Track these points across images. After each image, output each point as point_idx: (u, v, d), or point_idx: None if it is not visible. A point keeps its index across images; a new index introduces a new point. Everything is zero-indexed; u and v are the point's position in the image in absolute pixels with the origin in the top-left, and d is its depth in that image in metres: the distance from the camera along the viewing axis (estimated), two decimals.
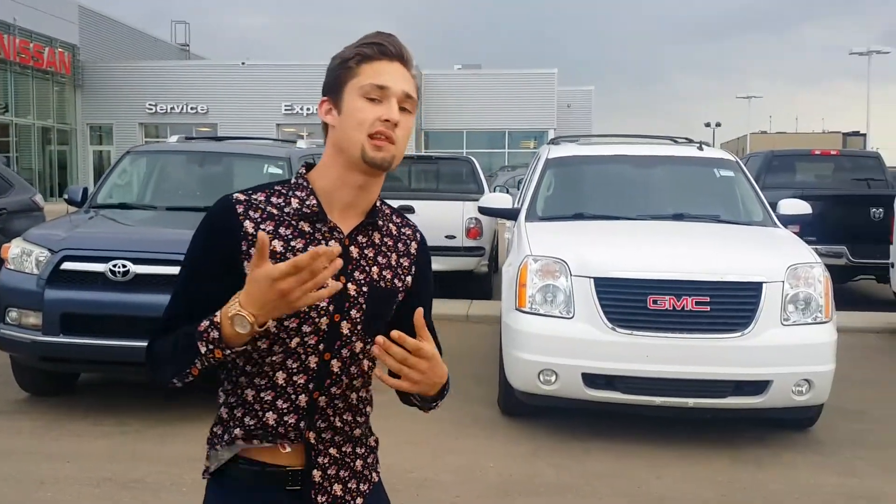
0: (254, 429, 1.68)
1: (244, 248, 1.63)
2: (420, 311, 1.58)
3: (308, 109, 37.94)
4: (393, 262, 1.76)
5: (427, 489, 4.67)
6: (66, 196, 7.24)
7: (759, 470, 5.05)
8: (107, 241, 6.01)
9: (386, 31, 1.70)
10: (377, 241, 1.74)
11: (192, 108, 38.54)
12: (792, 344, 5.22)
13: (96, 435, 5.43)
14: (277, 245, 1.63)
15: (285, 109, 38.13)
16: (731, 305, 5.23)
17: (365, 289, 1.70)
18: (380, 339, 1.54)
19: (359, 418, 1.78)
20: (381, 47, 1.65)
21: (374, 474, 1.85)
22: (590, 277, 5.31)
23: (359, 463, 1.80)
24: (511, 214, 7.06)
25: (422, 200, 10.38)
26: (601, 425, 5.67)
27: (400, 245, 1.79)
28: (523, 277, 5.46)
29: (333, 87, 1.68)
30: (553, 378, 5.26)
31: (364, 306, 1.70)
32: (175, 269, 5.61)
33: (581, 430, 5.63)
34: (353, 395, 1.76)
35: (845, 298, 9.52)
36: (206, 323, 1.54)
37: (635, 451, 5.31)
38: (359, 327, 1.70)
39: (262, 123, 34.65)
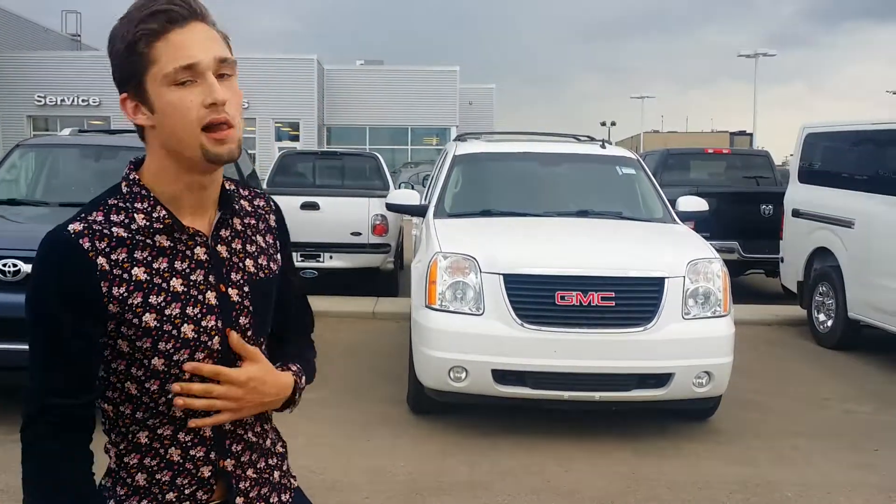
0: (156, 469, 1.49)
1: (104, 289, 1.39)
2: (233, 334, 1.46)
3: None
4: (262, 244, 1.58)
5: (338, 491, 4.61)
6: None
7: (662, 461, 5.18)
8: None
9: None
10: (239, 227, 1.55)
11: (83, 101, 37.19)
12: (692, 337, 5.36)
13: None
14: (140, 273, 1.41)
15: None
16: (634, 300, 5.34)
17: (246, 289, 1.52)
18: (175, 387, 1.41)
19: (265, 425, 1.63)
20: (168, 13, 1.36)
21: (291, 480, 1.73)
22: (499, 274, 5.34)
23: (276, 474, 1.67)
24: (419, 211, 7.05)
25: (327, 197, 10.31)
26: (510, 421, 5.72)
27: (260, 223, 1.60)
28: (433, 274, 5.45)
29: (130, 80, 1.41)
30: (463, 375, 5.27)
31: (251, 308, 1.53)
32: None
33: (490, 426, 5.66)
34: None
35: (737, 292, 9.84)
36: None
37: (544, 446, 5.37)
38: (250, 332, 1.53)
39: None
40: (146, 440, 1.48)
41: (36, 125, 37.75)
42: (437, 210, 6.63)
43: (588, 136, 7.94)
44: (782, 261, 9.61)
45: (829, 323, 8.34)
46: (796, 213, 9.14)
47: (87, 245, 1.39)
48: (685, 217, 6.95)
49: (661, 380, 5.32)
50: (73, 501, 1.42)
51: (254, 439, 1.59)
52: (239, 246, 1.54)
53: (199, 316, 1.46)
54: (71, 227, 1.41)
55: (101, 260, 1.39)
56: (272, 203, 1.66)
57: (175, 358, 1.44)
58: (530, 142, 7.80)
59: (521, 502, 4.53)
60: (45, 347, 1.41)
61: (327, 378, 6.14)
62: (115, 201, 1.45)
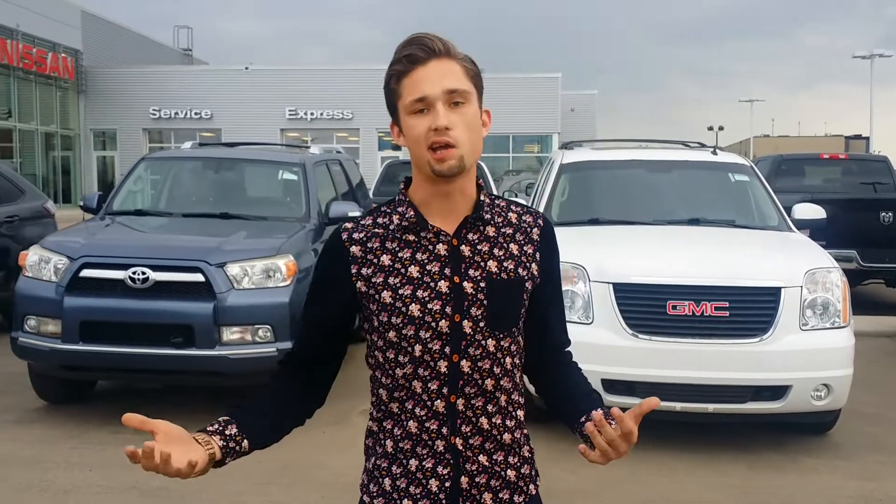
0: (400, 438, 1.71)
1: (354, 270, 1.72)
2: (646, 402, 1.56)
3: (312, 114, 37.95)
4: (514, 252, 1.75)
5: None
6: (81, 203, 7.27)
7: (777, 475, 5.06)
8: (126, 248, 6.04)
9: (416, 34, 1.69)
10: (492, 234, 1.75)
11: (195, 114, 38.55)
12: (811, 349, 5.23)
13: (117, 443, 5.43)
14: (386, 259, 1.71)
15: (289, 114, 38.16)
16: (750, 310, 5.24)
17: (482, 284, 1.70)
18: (597, 415, 1.56)
19: (508, 422, 1.75)
20: (410, 56, 1.65)
21: (531, 486, 1.80)
22: (609, 283, 5.32)
23: (511, 473, 1.75)
24: None
25: None
26: None
27: (519, 234, 1.77)
28: None
29: (391, 111, 1.72)
30: None
31: (485, 302, 1.69)
32: (194, 276, 5.66)
33: None
34: (503, 398, 1.74)
35: (855, 303, 9.51)
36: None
37: (652, 457, 5.31)
38: (482, 323, 1.69)
39: (266, 128, 34.60)
40: (397, 410, 1.73)
41: (151, 138, 39.31)
42: None
43: (699, 143, 7.81)
44: None
45: None
46: None
47: (345, 237, 1.74)
48: (801, 225, 6.78)
49: (778, 392, 5.20)
50: (248, 413, 1.72)
51: (486, 427, 1.72)
52: (486, 248, 1.73)
53: (427, 299, 1.68)
54: (345, 224, 1.78)
55: (354, 248, 1.73)
56: (541, 221, 1.83)
57: (403, 332, 1.68)
58: (638, 149, 7.72)
59: None
60: (304, 309, 1.83)
61: None
62: (385, 208, 1.78)
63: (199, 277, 5.65)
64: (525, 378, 1.86)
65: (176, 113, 38.63)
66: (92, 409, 6.19)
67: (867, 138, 46.95)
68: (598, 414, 1.56)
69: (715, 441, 5.59)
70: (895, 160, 13.33)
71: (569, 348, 1.93)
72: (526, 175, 24.35)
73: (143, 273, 5.62)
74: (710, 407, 5.26)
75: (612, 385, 5.23)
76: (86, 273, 5.69)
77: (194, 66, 44.86)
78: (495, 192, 12.38)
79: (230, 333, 5.63)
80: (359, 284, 1.71)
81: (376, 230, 1.73)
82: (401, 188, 1.77)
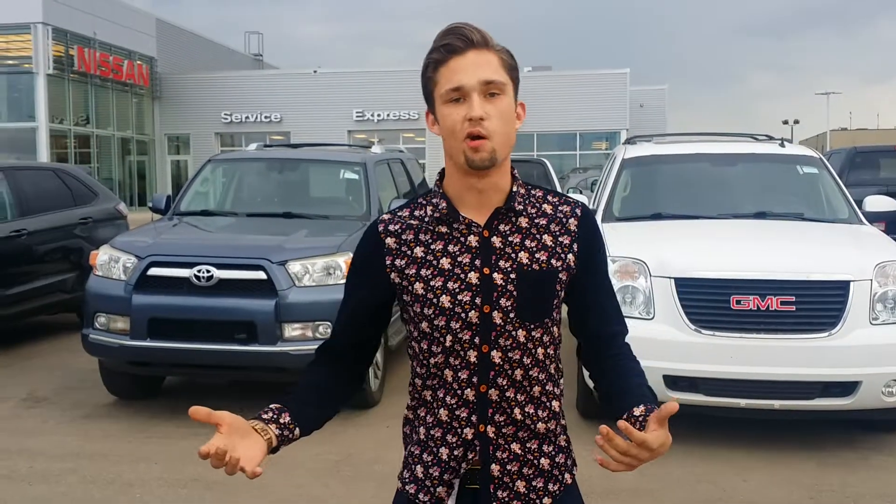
0: (431, 425, 1.74)
1: (388, 261, 1.75)
2: (655, 412, 1.55)
3: (378, 115, 38.27)
4: (548, 243, 1.74)
5: None
6: (150, 204, 7.46)
7: (848, 473, 4.91)
8: (191, 247, 6.17)
9: (454, 24, 1.70)
10: (524, 225, 1.74)
11: (266, 117, 39.26)
12: (881, 343, 5.06)
13: (181, 436, 5.58)
14: (419, 251, 1.74)
15: (356, 116, 38.58)
16: (817, 305, 5.10)
17: (513, 275, 1.70)
18: (603, 429, 1.52)
19: (541, 412, 1.75)
20: (448, 46, 1.66)
21: (566, 475, 1.80)
22: (670, 278, 5.24)
23: (545, 462, 1.76)
24: None
25: None
26: (682, 428, 5.57)
27: (554, 225, 1.76)
28: None
29: (428, 100, 1.73)
30: None
31: (514, 293, 1.70)
32: (256, 274, 5.75)
33: None
34: (536, 388, 1.73)
35: None
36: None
37: (719, 454, 5.21)
38: (512, 314, 1.69)
39: (334, 130, 35.04)
40: (429, 398, 1.76)
41: (223, 141, 40.16)
42: (605, 214, 6.57)
43: (767, 135, 7.63)
44: None
45: None
46: None
47: (381, 228, 1.77)
48: (874, 218, 6.58)
49: (847, 388, 5.04)
50: (291, 391, 1.77)
51: (519, 417, 1.72)
52: (517, 240, 1.73)
53: (457, 290, 1.70)
54: (382, 216, 1.80)
55: (389, 240, 1.76)
56: (580, 210, 1.80)
57: (435, 323, 1.71)
58: (703, 142, 7.58)
59: None
60: (344, 295, 1.85)
61: None
62: (422, 199, 1.80)
63: (261, 275, 5.74)
64: (585, 371, 1.86)
65: (247, 117, 39.39)
66: (159, 404, 6.35)
67: None
68: (603, 428, 1.51)
69: (782, 438, 5.45)
70: None
71: (626, 339, 1.88)
72: (593, 172, 24.08)
73: (208, 271, 5.74)
74: (777, 403, 5.12)
75: (675, 381, 5.15)
76: (153, 272, 5.83)
77: (265, 71, 45.63)
78: (559, 190, 12.29)
79: (291, 330, 5.70)
80: (393, 276, 1.74)
81: (411, 222, 1.76)
82: (437, 180, 1.78)
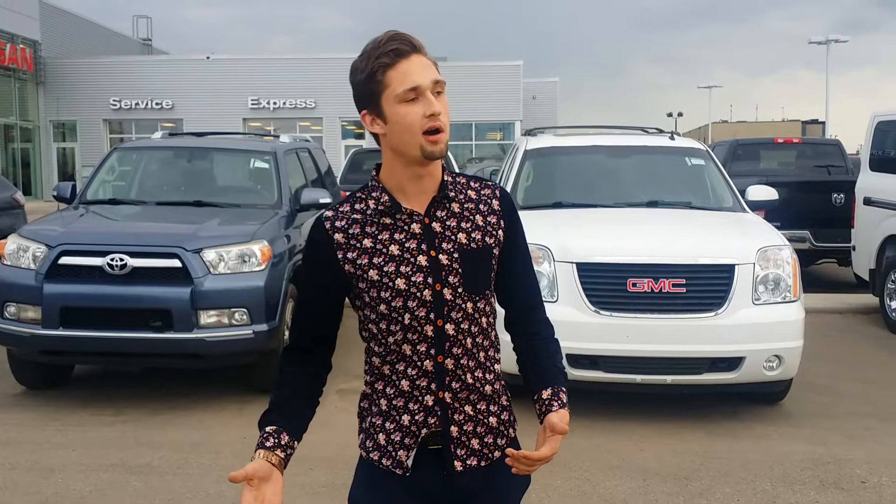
0: (393, 396, 1.93)
1: (340, 255, 1.90)
2: (551, 416, 1.92)
3: (275, 103, 37.82)
4: (480, 223, 1.96)
5: None
6: (54, 193, 7.36)
7: (734, 441, 5.35)
8: (103, 235, 6.17)
9: (392, 31, 1.85)
10: (457, 210, 1.94)
11: (156, 104, 38.26)
12: (763, 322, 5.52)
13: (97, 424, 5.60)
14: (367, 242, 1.90)
15: (252, 104, 37.99)
16: (705, 286, 5.51)
17: (456, 255, 1.91)
18: (510, 451, 1.86)
19: (488, 375, 1.98)
20: (396, 51, 1.81)
21: (510, 430, 2.03)
22: (572, 263, 5.57)
23: (493, 420, 1.98)
24: None
25: None
26: (585, 404, 5.94)
27: (482, 206, 1.97)
28: None
29: (370, 101, 1.86)
30: None
31: (460, 270, 1.91)
32: (171, 262, 5.81)
33: None
34: (482, 354, 1.97)
35: (809, 281, 9.88)
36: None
37: (618, 427, 5.59)
38: (460, 290, 1.91)
39: (228, 118, 34.45)
40: (388, 372, 1.94)
41: (112, 128, 38.95)
42: None
43: (657, 129, 8.09)
44: (854, 249, 9.61)
45: None
46: (868, 202, 9.14)
47: (328, 225, 1.91)
48: (755, 206, 7.08)
49: (732, 363, 5.49)
50: (276, 404, 1.95)
51: (471, 381, 1.94)
52: (454, 223, 1.93)
53: (410, 273, 1.88)
54: (325, 212, 1.95)
55: (337, 235, 1.91)
56: (498, 191, 2.02)
57: (393, 304, 1.88)
58: (599, 135, 7.98)
59: (596, 478, 4.76)
60: (300, 293, 2.02)
61: None
62: (360, 194, 1.95)
63: (176, 263, 5.80)
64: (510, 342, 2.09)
65: (136, 103, 38.29)
66: (70, 393, 6.33)
67: (823, 123, 47.82)
68: (510, 451, 1.86)
69: (674, 411, 5.87)
70: (852, 144, 13.74)
71: (545, 315, 2.13)
72: (489, 162, 24.50)
73: (122, 259, 5.76)
74: (669, 378, 5.54)
75: (577, 360, 5.49)
76: (64, 260, 5.81)
77: (154, 56, 44.42)
78: None
79: (207, 317, 5.79)
80: (347, 267, 1.90)
81: (355, 216, 1.91)
82: (372, 175, 1.95)
